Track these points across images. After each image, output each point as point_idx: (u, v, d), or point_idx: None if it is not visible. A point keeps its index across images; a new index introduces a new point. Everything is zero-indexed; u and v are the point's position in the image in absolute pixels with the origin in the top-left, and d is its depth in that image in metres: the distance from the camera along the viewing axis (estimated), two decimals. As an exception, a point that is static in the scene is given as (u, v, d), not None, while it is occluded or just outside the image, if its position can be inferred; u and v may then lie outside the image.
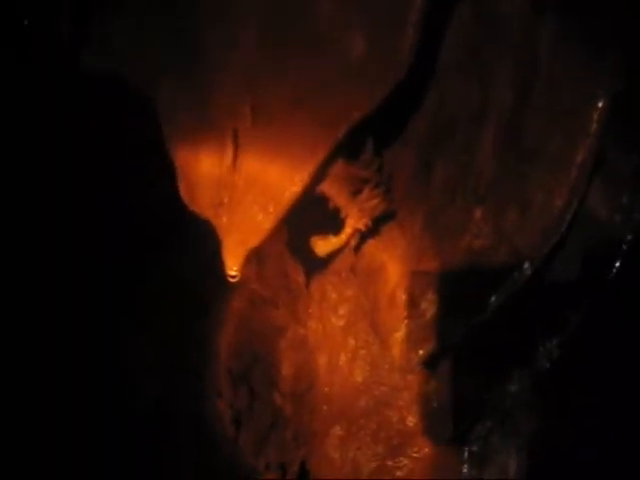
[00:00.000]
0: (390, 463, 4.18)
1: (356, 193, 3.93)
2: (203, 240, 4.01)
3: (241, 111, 3.75)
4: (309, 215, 4.08)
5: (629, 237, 3.78)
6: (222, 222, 3.77)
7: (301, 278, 4.64)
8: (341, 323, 4.39)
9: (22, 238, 4.09)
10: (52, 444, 4.12)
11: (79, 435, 4.17)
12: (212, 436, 4.61)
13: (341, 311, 4.40)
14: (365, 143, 3.85)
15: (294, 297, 4.68)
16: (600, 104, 3.55)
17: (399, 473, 4.16)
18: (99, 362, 4.28)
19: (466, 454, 4.06)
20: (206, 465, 4.53)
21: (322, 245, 4.15)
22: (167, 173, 3.89)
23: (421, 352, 3.87)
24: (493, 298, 3.71)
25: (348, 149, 3.76)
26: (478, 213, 3.77)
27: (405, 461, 4.16)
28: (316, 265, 4.48)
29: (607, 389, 3.92)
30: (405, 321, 3.93)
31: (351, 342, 4.34)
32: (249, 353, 4.74)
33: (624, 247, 3.80)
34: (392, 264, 3.98)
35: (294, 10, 3.71)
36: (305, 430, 4.55)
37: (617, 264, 3.82)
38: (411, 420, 4.16)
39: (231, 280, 3.81)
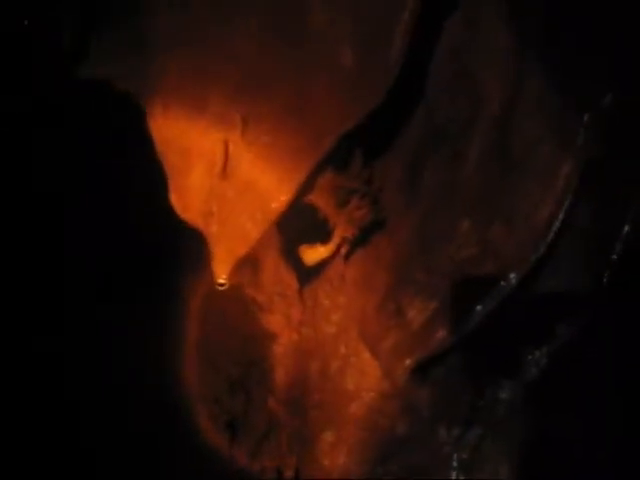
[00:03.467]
0: (379, 470, 4.19)
1: (344, 203, 3.97)
2: (198, 247, 4.08)
3: (232, 121, 3.81)
4: (304, 223, 4.14)
5: (619, 248, 3.78)
6: (212, 231, 3.83)
7: (295, 285, 4.66)
8: (333, 330, 4.40)
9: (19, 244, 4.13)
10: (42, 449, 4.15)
11: (76, 440, 4.21)
12: (208, 441, 4.63)
13: (333, 318, 4.41)
14: (354, 154, 3.89)
15: (289, 303, 4.70)
16: (587, 117, 3.57)
17: (388, 480, 4.18)
18: (95, 366, 4.31)
19: (455, 462, 4.06)
20: (202, 470, 4.55)
21: (310, 254, 4.20)
22: (160, 181, 3.95)
23: (408, 362, 3.90)
24: (479, 307, 3.73)
25: (337, 160, 3.81)
26: (465, 224, 3.80)
27: (394, 468, 4.16)
28: (309, 272, 4.51)
29: (599, 395, 3.92)
30: (392, 330, 3.95)
31: (342, 349, 4.35)
32: (245, 358, 4.77)
33: (614, 258, 3.79)
34: (380, 273, 4.01)
35: (287, 23, 3.78)
36: (298, 436, 4.57)
37: (607, 274, 3.82)
38: (401, 427, 4.16)
39: (220, 288, 3.85)
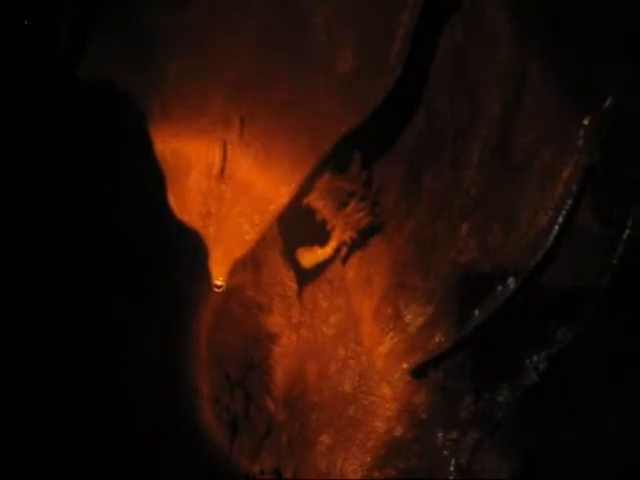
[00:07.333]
0: (377, 474, 4.17)
1: (342, 206, 3.96)
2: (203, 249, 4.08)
3: (230, 123, 3.80)
4: (304, 225, 4.13)
5: (620, 251, 3.77)
6: (209, 232, 3.82)
7: (295, 286, 4.65)
8: (331, 332, 4.39)
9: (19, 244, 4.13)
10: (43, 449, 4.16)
11: (82, 435, 4.21)
12: (209, 440, 4.62)
13: (332, 320, 4.40)
14: (352, 157, 3.88)
15: (289, 304, 4.69)
16: (587, 121, 3.56)
17: (386, 484, 4.16)
18: (100, 364, 4.31)
19: (452, 466, 4.05)
20: (203, 469, 4.55)
21: (308, 256, 4.19)
22: (159, 182, 3.94)
23: (405, 366, 3.89)
24: (477, 312, 3.72)
25: (335, 163, 3.81)
26: (464, 228, 3.80)
27: (392, 473, 4.14)
28: (309, 274, 4.50)
29: (598, 399, 3.92)
30: (389, 334, 3.94)
31: (341, 351, 4.33)
32: (245, 358, 4.76)
33: (614, 262, 3.78)
34: (378, 276, 4.00)
35: (287, 25, 3.77)
36: (297, 437, 4.56)
37: (607, 278, 3.81)
38: (399, 431, 4.14)
39: (217, 290, 3.84)
